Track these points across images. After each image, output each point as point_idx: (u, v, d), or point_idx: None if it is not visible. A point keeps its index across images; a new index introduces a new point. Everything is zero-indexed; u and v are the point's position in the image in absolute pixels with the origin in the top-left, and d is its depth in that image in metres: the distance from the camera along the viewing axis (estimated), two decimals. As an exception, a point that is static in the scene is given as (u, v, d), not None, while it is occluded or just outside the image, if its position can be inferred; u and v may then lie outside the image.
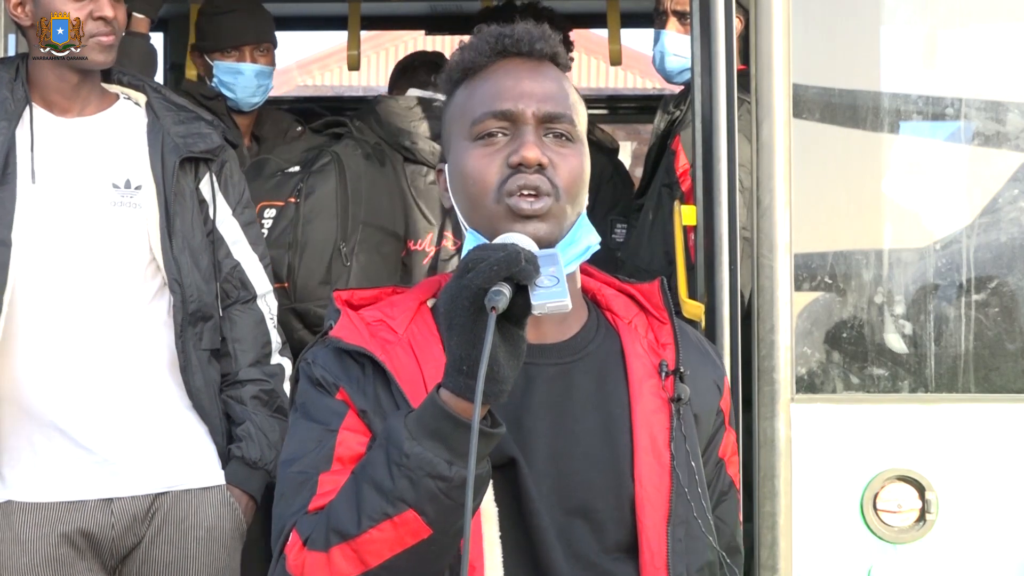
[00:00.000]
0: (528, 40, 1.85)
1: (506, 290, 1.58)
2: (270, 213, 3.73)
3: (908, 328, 3.23)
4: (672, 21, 3.88)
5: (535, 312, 1.61)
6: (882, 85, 3.31)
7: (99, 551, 2.98)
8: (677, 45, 3.84)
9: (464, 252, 1.75)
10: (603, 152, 4.49)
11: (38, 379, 2.94)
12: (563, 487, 1.79)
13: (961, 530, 3.04)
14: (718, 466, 1.93)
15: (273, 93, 4.49)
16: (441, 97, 2.47)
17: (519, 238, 1.71)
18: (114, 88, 3.12)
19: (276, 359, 3.20)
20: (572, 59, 3.72)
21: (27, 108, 2.98)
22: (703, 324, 3.11)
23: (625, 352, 1.88)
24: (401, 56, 4.81)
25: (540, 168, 1.78)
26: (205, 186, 3.11)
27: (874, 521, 3.04)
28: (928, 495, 3.03)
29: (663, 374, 1.86)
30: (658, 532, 1.80)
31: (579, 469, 1.81)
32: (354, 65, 5.45)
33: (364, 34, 5.68)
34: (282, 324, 3.30)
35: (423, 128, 3.85)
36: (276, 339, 3.21)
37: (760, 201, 3.05)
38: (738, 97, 3.12)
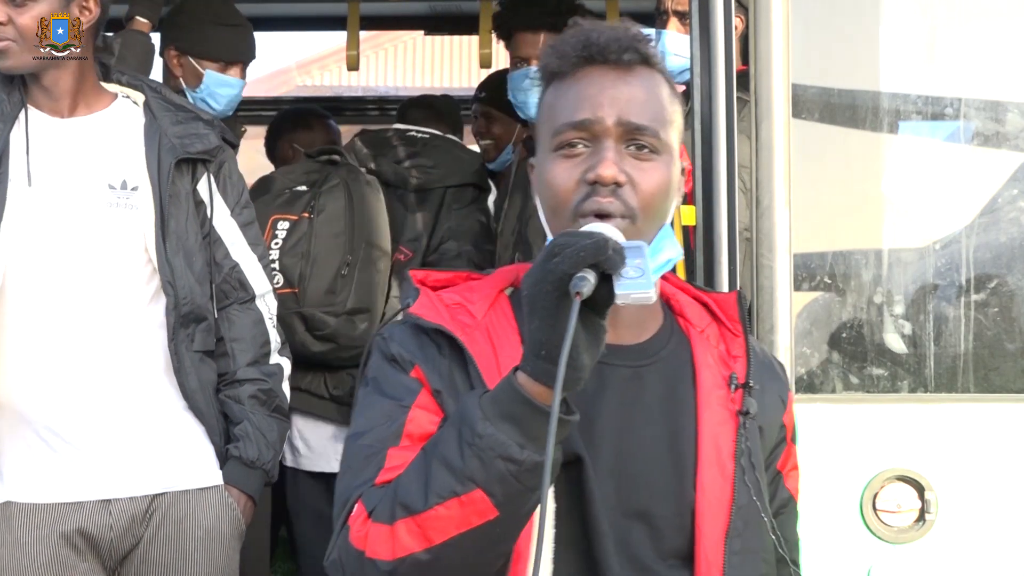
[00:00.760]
0: (617, 49, 1.82)
1: (591, 277, 1.56)
2: (283, 225, 4.12)
3: (908, 328, 3.23)
4: (673, 21, 3.88)
5: (618, 302, 1.60)
6: (881, 85, 3.30)
7: (98, 552, 2.98)
8: (678, 45, 3.83)
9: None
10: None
11: (34, 381, 2.93)
12: (625, 489, 1.79)
13: (961, 530, 3.04)
14: (776, 478, 1.93)
15: (273, 93, 4.49)
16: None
17: (606, 227, 1.69)
18: (112, 87, 3.12)
19: (275, 359, 3.20)
20: None
21: (23, 110, 2.98)
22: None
23: (695, 361, 1.87)
24: (401, 56, 4.81)
25: (617, 186, 1.75)
26: (203, 187, 3.10)
27: (873, 521, 3.03)
28: (928, 495, 3.03)
29: (732, 386, 1.86)
30: (716, 543, 1.79)
31: (642, 473, 1.80)
32: (353, 65, 5.46)
33: (363, 34, 5.67)
34: (285, 326, 3.32)
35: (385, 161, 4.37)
36: (275, 339, 3.21)
37: (760, 201, 3.05)
38: (738, 97, 3.11)
